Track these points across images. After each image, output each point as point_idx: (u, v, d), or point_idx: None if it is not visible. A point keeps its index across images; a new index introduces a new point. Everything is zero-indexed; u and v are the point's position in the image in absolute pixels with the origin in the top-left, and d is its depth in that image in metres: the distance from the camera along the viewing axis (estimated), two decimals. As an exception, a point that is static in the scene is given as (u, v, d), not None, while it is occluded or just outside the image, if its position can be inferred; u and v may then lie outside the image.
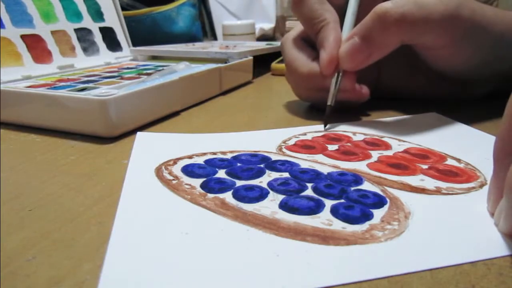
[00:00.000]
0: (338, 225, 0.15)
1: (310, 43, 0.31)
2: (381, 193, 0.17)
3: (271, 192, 0.17)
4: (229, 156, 0.22)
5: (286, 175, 0.19)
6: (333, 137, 0.25)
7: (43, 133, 0.27)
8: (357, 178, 0.19)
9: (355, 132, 0.26)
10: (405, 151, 0.23)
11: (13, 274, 0.12)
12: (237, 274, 0.12)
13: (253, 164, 0.21)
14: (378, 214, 0.16)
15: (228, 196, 0.17)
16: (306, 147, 0.23)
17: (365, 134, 0.26)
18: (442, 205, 0.16)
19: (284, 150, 0.23)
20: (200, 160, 0.21)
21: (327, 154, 0.22)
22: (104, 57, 0.44)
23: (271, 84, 0.47)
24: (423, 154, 0.22)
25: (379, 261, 0.13)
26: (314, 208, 0.16)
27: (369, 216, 0.15)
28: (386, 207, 0.16)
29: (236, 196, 0.17)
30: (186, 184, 0.18)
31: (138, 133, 0.25)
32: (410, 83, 0.33)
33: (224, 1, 0.92)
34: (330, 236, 0.14)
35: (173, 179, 0.19)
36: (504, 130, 0.14)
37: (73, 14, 0.42)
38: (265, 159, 0.21)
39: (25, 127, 0.28)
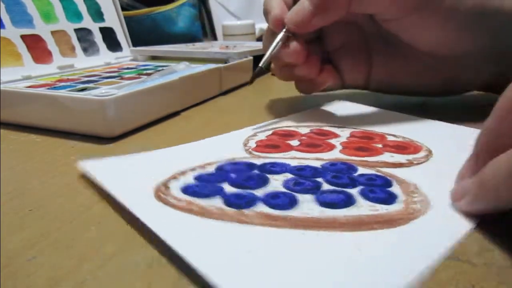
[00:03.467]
0: (383, 208, 0.15)
1: None
2: (380, 174, 0.19)
3: (296, 194, 0.17)
4: (210, 169, 0.20)
5: (288, 175, 0.19)
6: (284, 133, 0.25)
7: (43, 133, 0.27)
8: (349, 166, 0.20)
9: (297, 125, 0.27)
10: (353, 136, 0.24)
11: (13, 274, 0.12)
12: (338, 279, 0.12)
13: (245, 171, 0.19)
14: (396, 191, 0.17)
15: (263, 208, 0.16)
16: (271, 146, 0.23)
17: (307, 126, 0.26)
18: (425, 173, 0.19)
19: (254, 152, 0.22)
20: (189, 180, 0.18)
21: (299, 149, 0.22)
22: (104, 57, 0.44)
23: (271, 84, 0.47)
24: (368, 136, 0.24)
25: (443, 229, 0.14)
26: (347, 200, 0.16)
27: (392, 195, 0.16)
28: (395, 184, 0.18)
29: (271, 205, 0.16)
30: (209, 206, 0.16)
31: (85, 163, 0.20)
32: (402, 75, 0.31)
33: (224, 1, 0.92)
34: (390, 219, 0.15)
35: (189, 205, 0.16)
36: (490, 125, 0.15)
37: (73, 14, 0.42)
38: (251, 165, 0.20)
39: (25, 127, 0.28)
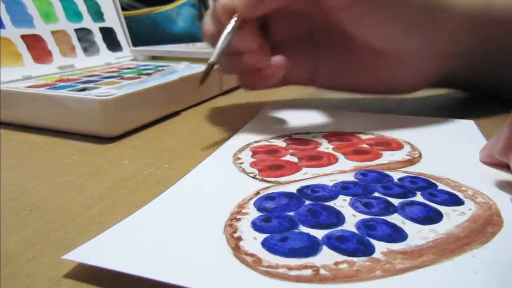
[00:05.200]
0: (464, 210, 0.15)
1: None
2: (413, 175, 0.18)
3: (385, 218, 0.14)
4: (257, 210, 0.15)
5: (344, 199, 0.16)
6: (273, 149, 0.22)
7: (43, 133, 0.27)
8: (379, 172, 0.18)
9: (270, 138, 0.24)
10: (330, 140, 0.23)
11: (13, 274, 0.12)
12: None
13: (295, 203, 0.16)
14: (447, 189, 0.17)
15: (381, 246, 0.13)
16: (276, 167, 0.20)
17: (282, 137, 0.24)
18: (434, 166, 0.19)
19: (267, 178, 0.19)
20: (249, 234, 0.14)
21: (310, 165, 0.20)
22: (104, 57, 0.44)
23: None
24: (345, 137, 0.23)
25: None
26: (433, 216, 0.14)
27: (452, 193, 0.16)
28: (434, 181, 0.17)
29: (388, 239, 0.13)
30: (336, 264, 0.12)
31: (71, 254, 0.13)
32: (348, 72, 0.29)
33: (224, 1, 0.92)
34: (488, 219, 0.14)
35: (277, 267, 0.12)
36: None
37: (73, 14, 0.42)
38: (291, 195, 0.17)
39: (25, 127, 0.28)
